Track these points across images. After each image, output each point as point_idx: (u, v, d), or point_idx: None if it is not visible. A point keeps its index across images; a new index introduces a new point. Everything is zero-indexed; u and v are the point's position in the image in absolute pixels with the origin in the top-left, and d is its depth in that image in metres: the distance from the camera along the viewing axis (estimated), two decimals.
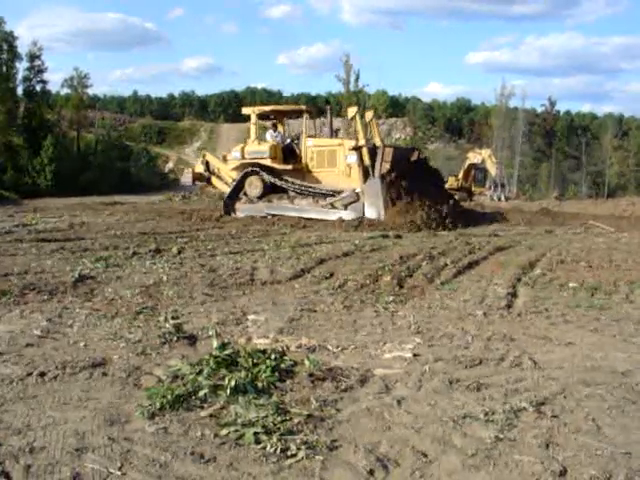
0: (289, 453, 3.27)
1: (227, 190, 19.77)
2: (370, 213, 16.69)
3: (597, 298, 7.42)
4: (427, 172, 19.16)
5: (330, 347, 5.19)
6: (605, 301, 7.24)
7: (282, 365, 4.54)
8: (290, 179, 18.53)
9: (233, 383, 4.06)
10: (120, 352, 4.97)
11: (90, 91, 64.32)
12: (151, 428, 3.54)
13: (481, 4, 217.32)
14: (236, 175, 19.47)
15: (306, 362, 4.60)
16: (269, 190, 18.76)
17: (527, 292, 7.70)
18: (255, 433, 3.45)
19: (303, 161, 18.74)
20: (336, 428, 3.61)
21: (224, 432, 3.49)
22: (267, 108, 20.97)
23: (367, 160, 17.33)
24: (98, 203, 24.53)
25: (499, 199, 33.38)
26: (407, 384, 4.32)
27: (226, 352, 4.59)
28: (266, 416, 3.66)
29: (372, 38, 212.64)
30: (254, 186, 18.84)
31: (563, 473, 3.12)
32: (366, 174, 17.22)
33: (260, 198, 18.73)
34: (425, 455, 3.30)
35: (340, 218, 16.94)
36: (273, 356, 4.62)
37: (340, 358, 4.91)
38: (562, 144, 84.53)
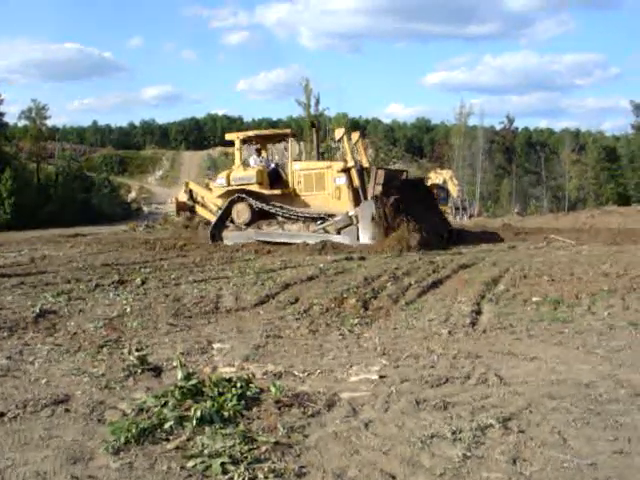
0: None
1: (213, 218, 19.46)
2: (364, 237, 16.31)
3: (560, 311, 7.52)
4: (420, 192, 18.87)
5: (296, 372, 5.16)
6: (568, 314, 7.35)
7: (248, 393, 4.49)
8: (279, 204, 18.20)
9: (199, 413, 4.01)
10: (83, 387, 4.88)
11: (49, 122, 64.06)
12: (116, 464, 3.47)
13: (437, 25, 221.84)
14: (222, 203, 19.12)
15: (272, 389, 4.56)
16: (257, 216, 18.43)
17: (491, 309, 7.78)
18: (222, 463, 3.40)
19: (290, 185, 18.45)
20: (304, 454, 3.58)
21: (191, 464, 3.44)
22: (251, 133, 20.67)
23: (357, 181, 17.16)
24: (60, 235, 24.19)
25: (461, 218, 33.77)
26: (374, 406, 4.31)
27: (191, 382, 4.52)
28: (233, 445, 3.62)
29: (331, 62, 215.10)
30: (242, 213, 18.49)
31: None
32: (356, 196, 17.03)
33: (248, 225, 18.38)
34: (393, 477, 3.29)
35: (304, 242, 16.85)
36: (239, 384, 4.56)
37: (306, 383, 4.89)
38: (522, 160, 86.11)
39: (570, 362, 5.33)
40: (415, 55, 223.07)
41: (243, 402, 4.31)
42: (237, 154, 19.34)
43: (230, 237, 18.37)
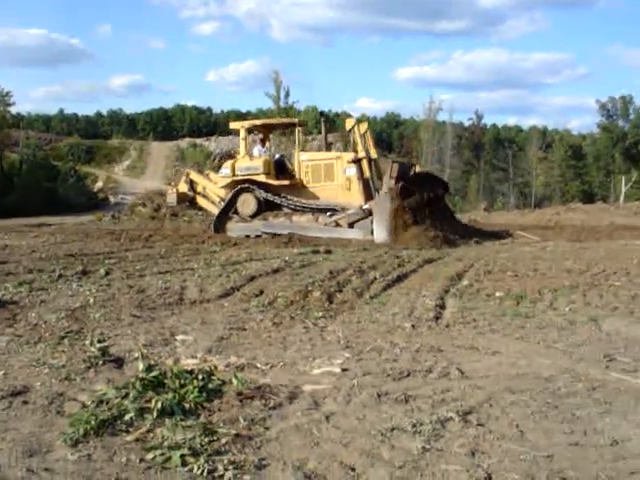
0: (216, 474, 3.23)
1: (214, 209, 19.07)
2: (379, 232, 15.70)
3: (522, 306, 7.62)
4: (433, 186, 17.98)
5: (259, 365, 5.16)
6: (530, 309, 7.44)
7: (210, 385, 4.48)
8: (286, 195, 17.84)
9: (160, 405, 3.99)
10: (43, 379, 4.81)
11: (13, 109, 62.82)
12: (74, 456, 3.43)
13: (409, 21, 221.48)
14: (225, 193, 18.73)
15: (234, 381, 4.55)
16: (263, 208, 18.04)
17: (455, 303, 7.84)
18: (182, 455, 3.39)
19: (297, 176, 18.09)
20: (264, 446, 3.58)
21: (150, 456, 3.42)
22: (258, 122, 20.28)
23: (367, 173, 16.90)
24: (23, 225, 23.78)
25: None
26: (336, 399, 4.32)
27: (153, 374, 4.50)
28: (193, 437, 3.61)
29: (302, 55, 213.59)
30: (247, 204, 18.08)
31: (488, 479, 3.18)
32: (367, 188, 16.79)
33: (253, 216, 17.99)
34: (353, 469, 3.31)
35: (271, 234, 16.65)
36: (201, 376, 4.55)
37: (269, 375, 4.89)
38: (490, 156, 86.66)
39: (531, 356, 5.41)
40: (386, 50, 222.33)
41: (205, 394, 4.30)
42: (242, 143, 18.93)
43: (235, 229, 17.86)
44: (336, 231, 16.55)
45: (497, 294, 8.31)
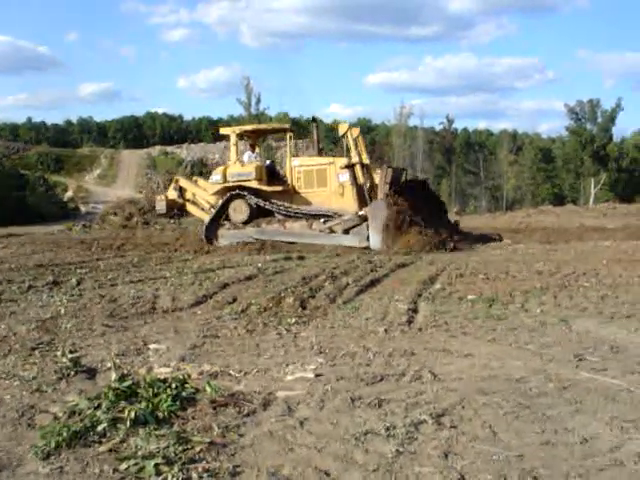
0: None
1: (204, 216, 18.67)
2: (375, 238, 15.57)
3: (494, 309, 7.68)
4: (426, 193, 18.23)
5: (232, 372, 5.15)
6: (502, 311, 7.51)
7: (183, 393, 4.46)
8: (278, 201, 17.56)
9: (133, 415, 3.97)
10: (13, 391, 4.75)
11: None
12: (45, 469, 3.40)
13: (379, 27, 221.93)
14: (216, 200, 18.42)
15: (208, 389, 4.54)
16: (255, 214, 17.74)
17: (427, 307, 7.88)
18: (156, 465, 3.38)
19: (289, 182, 17.82)
20: (238, 453, 3.58)
21: (124, 466, 3.40)
22: (248, 127, 19.94)
23: (361, 178, 16.80)
24: None
25: None
26: (309, 405, 4.33)
27: (126, 384, 4.48)
28: (167, 446, 3.60)
29: (273, 61, 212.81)
30: (239, 210, 17.74)
31: None
32: (360, 193, 16.68)
33: (245, 223, 17.67)
34: (327, 474, 3.32)
35: (243, 241, 16.59)
36: (174, 385, 4.53)
37: (242, 383, 4.88)
38: (461, 160, 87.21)
39: (502, 358, 5.46)
40: (356, 56, 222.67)
41: (178, 403, 4.29)
42: (233, 149, 18.59)
43: (227, 236, 17.52)
44: (331, 238, 16.38)
45: (469, 297, 8.37)
